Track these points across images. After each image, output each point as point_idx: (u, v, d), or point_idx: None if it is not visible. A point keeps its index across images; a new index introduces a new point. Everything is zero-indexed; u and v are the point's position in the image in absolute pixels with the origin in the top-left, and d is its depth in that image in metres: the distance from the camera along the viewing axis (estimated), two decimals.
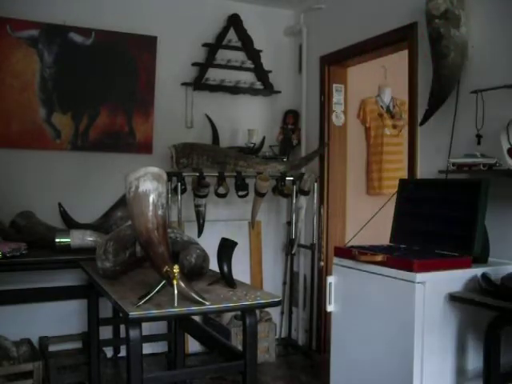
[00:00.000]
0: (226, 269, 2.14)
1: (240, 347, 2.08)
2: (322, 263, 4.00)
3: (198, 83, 4.12)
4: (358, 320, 2.60)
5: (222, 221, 4.21)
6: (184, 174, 3.69)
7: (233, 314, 3.78)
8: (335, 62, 4.03)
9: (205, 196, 3.80)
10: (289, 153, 4.28)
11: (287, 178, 3.91)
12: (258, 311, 3.43)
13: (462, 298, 2.27)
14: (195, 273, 2.20)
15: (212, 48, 4.17)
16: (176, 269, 1.78)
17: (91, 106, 3.83)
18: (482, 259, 2.50)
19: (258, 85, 4.33)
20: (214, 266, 2.27)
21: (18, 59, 3.57)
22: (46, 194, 3.68)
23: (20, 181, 3.62)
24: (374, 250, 2.61)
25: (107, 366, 3.56)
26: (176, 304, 1.79)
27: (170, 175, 3.53)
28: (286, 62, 4.46)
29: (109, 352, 3.71)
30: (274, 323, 4.03)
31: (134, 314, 1.73)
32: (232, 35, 4.22)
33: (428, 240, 2.68)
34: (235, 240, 2.14)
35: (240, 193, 3.86)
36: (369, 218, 2.95)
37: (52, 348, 3.56)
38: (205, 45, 4.16)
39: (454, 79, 2.78)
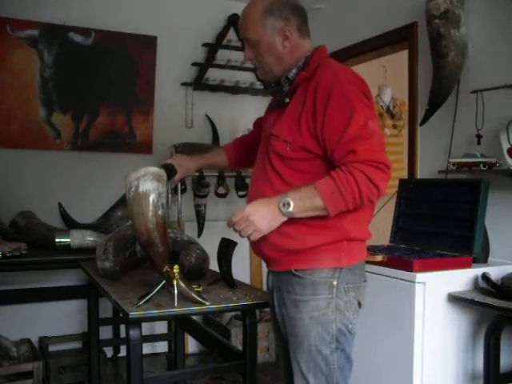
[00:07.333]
0: (225, 269, 2.14)
1: (240, 347, 2.08)
2: None
3: (198, 83, 4.12)
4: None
5: (222, 221, 4.19)
6: None
7: (233, 314, 3.77)
8: None
9: (205, 196, 3.79)
10: None
11: None
12: (257, 311, 3.44)
13: (462, 298, 2.27)
14: (195, 273, 2.20)
15: (212, 48, 4.16)
16: (176, 269, 1.78)
17: (91, 106, 3.83)
18: (481, 259, 2.50)
19: (258, 85, 4.33)
20: (214, 266, 2.27)
21: (18, 59, 3.57)
22: (46, 194, 3.68)
23: (20, 181, 3.62)
24: (374, 250, 2.60)
25: (107, 366, 3.55)
26: (176, 304, 1.79)
27: None
28: None
29: (109, 352, 3.71)
30: None
31: (134, 313, 1.73)
32: (232, 35, 4.21)
33: (428, 240, 2.67)
34: (235, 240, 2.13)
35: (240, 193, 3.85)
36: None
37: (52, 348, 3.56)
38: (205, 45, 4.16)
39: (454, 79, 2.78)
